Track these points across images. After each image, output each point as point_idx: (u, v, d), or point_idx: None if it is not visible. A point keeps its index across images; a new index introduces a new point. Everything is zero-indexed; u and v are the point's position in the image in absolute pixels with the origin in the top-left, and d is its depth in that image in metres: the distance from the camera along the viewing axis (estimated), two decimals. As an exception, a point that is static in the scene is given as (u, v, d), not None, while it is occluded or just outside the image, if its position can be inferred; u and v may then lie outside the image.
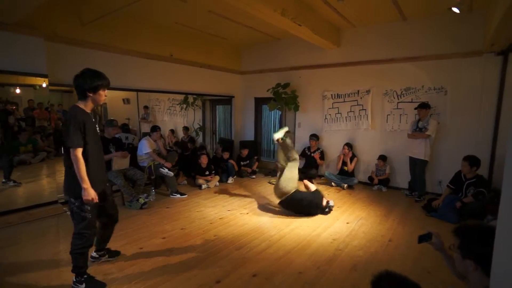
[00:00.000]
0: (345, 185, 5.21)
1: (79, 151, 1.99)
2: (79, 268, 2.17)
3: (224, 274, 2.44)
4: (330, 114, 5.79)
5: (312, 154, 5.85)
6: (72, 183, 2.04)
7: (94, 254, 2.53)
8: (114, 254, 2.66)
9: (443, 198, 3.89)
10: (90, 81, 2.03)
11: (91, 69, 2.08)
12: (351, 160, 5.40)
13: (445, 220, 3.65)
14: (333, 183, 5.35)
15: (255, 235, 3.23)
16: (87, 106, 2.11)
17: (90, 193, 2.03)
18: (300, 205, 3.80)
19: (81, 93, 2.06)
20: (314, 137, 5.88)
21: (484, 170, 4.20)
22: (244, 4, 3.44)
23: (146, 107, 6.09)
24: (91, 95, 2.06)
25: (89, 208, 2.10)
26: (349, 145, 5.41)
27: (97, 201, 2.09)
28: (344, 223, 3.61)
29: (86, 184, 2.01)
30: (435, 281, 2.37)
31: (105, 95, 2.15)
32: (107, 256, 2.59)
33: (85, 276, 2.21)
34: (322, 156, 5.87)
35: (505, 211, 0.81)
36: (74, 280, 2.18)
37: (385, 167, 5.12)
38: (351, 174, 5.41)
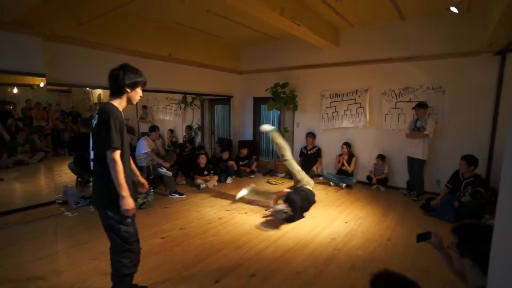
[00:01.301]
0: (344, 185, 5.22)
1: (118, 154, 1.72)
2: None
3: (223, 273, 2.44)
4: (327, 113, 5.78)
5: (309, 152, 5.87)
6: (112, 194, 1.74)
7: None
8: None
9: (441, 198, 3.90)
10: (130, 76, 1.82)
11: (129, 64, 1.89)
12: (350, 160, 5.41)
13: (443, 219, 3.67)
14: (331, 183, 5.36)
15: (254, 235, 3.23)
16: (121, 105, 1.85)
17: (130, 203, 1.74)
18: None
19: (117, 89, 1.82)
20: (311, 135, 5.92)
21: (482, 169, 4.22)
22: (243, 4, 3.44)
23: (144, 107, 6.09)
24: (128, 91, 1.83)
25: (130, 220, 1.84)
26: (347, 145, 5.42)
27: (135, 212, 1.81)
28: (342, 223, 3.62)
29: (126, 191, 1.73)
30: (433, 280, 2.38)
31: (140, 95, 1.93)
32: None
33: None
34: (319, 154, 5.90)
35: (502, 210, 0.81)
36: None
37: (383, 167, 5.13)
38: (350, 174, 5.42)
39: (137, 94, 1.90)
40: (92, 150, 1.82)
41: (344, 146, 5.40)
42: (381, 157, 5.11)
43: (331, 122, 5.70)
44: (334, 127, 5.67)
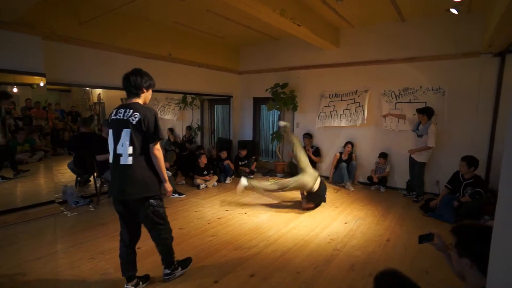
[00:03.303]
0: (351, 187, 5.16)
1: (159, 144, 2.05)
2: (172, 256, 2.29)
3: (222, 274, 2.44)
4: (324, 112, 5.76)
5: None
6: (153, 182, 2.06)
7: (127, 287, 2.15)
8: (146, 279, 2.29)
9: (440, 198, 3.90)
10: (146, 78, 2.06)
11: (141, 69, 2.10)
12: (350, 159, 5.39)
13: (443, 220, 3.67)
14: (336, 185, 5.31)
15: (253, 235, 3.23)
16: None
17: (170, 185, 2.17)
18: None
19: (136, 91, 2.04)
20: (308, 135, 5.95)
21: (481, 171, 4.22)
22: (243, 4, 3.44)
23: None
24: (145, 91, 2.08)
25: (162, 204, 2.19)
26: (352, 144, 5.39)
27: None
28: (342, 223, 3.62)
29: (167, 177, 2.11)
30: (433, 281, 2.38)
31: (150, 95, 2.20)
32: (141, 283, 2.22)
33: (175, 261, 2.33)
34: (317, 153, 5.90)
35: (501, 211, 0.81)
36: (169, 271, 2.27)
37: (385, 165, 5.11)
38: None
39: (150, 94, 2.16)
40: (130, 145, 1.96)
41: (349, 145, 5.36)
42: (383, 155, 5.09)
43: (329, 120, 5.67)
44: (331, 125, 5.64)
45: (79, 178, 4.66)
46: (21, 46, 3.54)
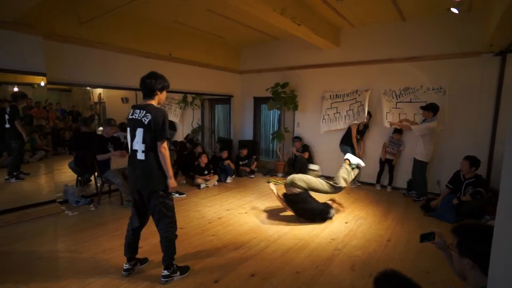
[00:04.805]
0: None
1: (166, 143, 2.20)
2: (173, 256, 2.31)
3: (222, 273, 2.44)
4: (328, 114, 5.75)
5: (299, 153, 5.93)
6: (162, 176, 2.21)
7: (126, 266, 2.39)
8: (144, 261, 2.55)
9: (441, 198, 3.89)
10: (160, 81, 2.22)
11: (156, 72, 2.25)
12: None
13: (444, 220, 3.66)
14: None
15: (254, 235, 3.23)
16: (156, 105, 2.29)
17: (174, 182, 2.25)
18: (307, 209, 3.64)
19: (150, 92, 2.22)
20: (297, 138, 6.04)
21: (482, 170, 4.20)
22: (244, 3, 3.44)
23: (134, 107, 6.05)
24: (159, 93, 2.25)
25: (172, 196, 2.32)
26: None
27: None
28: (342, 223, 3.62)
29: (171, 173, 2.24)
30: (434, 281, 2.37)
31: (165, 96, 2.34)
32: (139, 264, 2.48)
33: (175, 265, 2.36)
34: (306, 149, 5.93)
35: (502, 211, 0.81)
36: (167, 273, 2.28)
37: (400, 142, 4.94)
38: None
39: (164, 95, 2.32)
40: (143, 143, 2.16)
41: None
42: (398, 131, 4.90)
43: (334, 123, 5.66)
44: (337, 128, 5.61)
45: (79, 178, 4.67)
46: (22, 45, 3.54)
